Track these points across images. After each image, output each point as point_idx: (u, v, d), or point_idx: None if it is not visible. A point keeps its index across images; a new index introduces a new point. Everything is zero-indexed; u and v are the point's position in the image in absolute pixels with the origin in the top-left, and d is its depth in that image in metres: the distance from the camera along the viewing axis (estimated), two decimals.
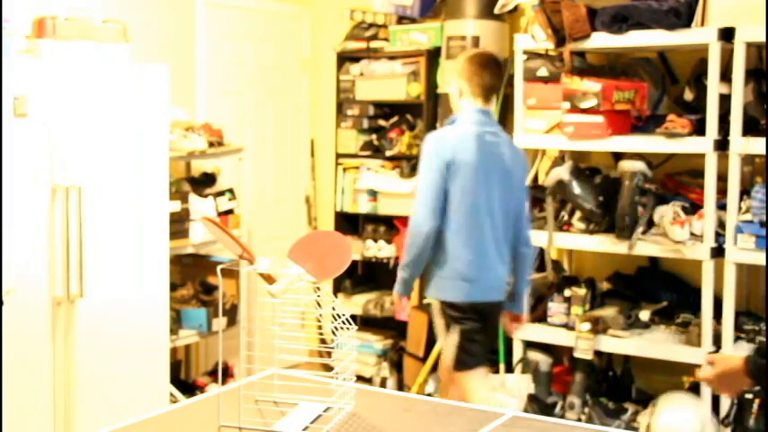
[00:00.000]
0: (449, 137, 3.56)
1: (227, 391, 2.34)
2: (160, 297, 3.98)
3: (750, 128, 3.83)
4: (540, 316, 4.41)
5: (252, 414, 2.20)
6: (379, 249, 5.32)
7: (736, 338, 3.97)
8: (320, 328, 2.19)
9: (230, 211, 4.74)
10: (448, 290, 3.56)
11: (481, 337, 3.62)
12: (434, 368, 5.01)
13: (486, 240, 3.55)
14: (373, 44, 5.34)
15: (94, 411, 3.65)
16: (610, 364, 4.50)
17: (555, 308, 4.34)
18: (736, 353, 3.87)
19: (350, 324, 2.21)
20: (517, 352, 4.45)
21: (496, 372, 4.62)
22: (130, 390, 3.82)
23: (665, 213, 3.99)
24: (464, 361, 3.58)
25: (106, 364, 3.73)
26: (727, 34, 3.80)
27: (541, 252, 4.49)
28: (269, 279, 2.22)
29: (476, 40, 4.83)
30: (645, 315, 4.24)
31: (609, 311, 4.24)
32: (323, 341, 4.70)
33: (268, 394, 2.36)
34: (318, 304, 2.20)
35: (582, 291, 4.28)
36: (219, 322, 4.43)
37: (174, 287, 4.34)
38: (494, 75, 3.63)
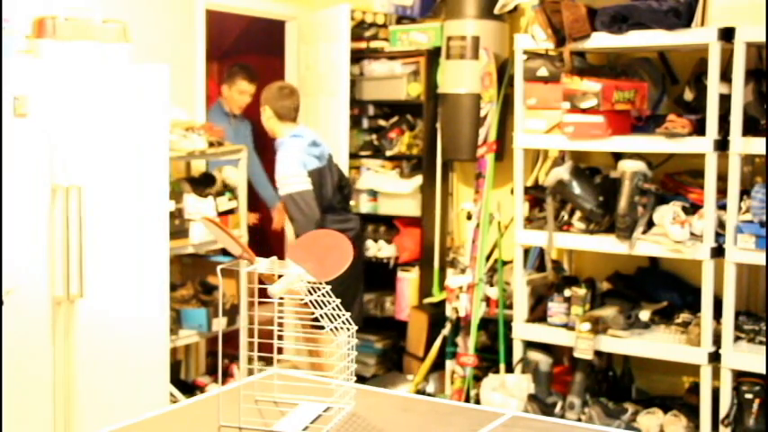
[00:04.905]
0: None
1: (227, 391, 2.34)
2: (160, 297, 3.98)
3: (750, 128, 3.83)
4: (540, 316, 4.41)
5: (252, 414, 2.20)
6: (379, 249, 5.32)
7: (736, 338, 3.97)
8: (321, 328, 2.18)
9: (230, 211, 4.73)
10: None
11: None
12: (434, 368, 5.01)
13: None
14: (373, 44, 5.33)
15: (94, 411, 3.65)
16: (610, 364, 4.50)
17: (555, 308, 4.34)
18: (737, 353, 3.89)
19: (349, 324, 2.20)
20: (517, 352, 4.45)
21: (496, 372, 4.62)
22: (130, 390, 3.82)
23: (665, 213, 3.99)
24: None
25: (106, 363, 3.73)
26: (727, 34, 3.79)
27: (541, 252, 4.49)
28: (269, 279, 2.22)
29: (476, 40, 4.83)
30: (645, 315, 4.24)
31: (609, 311, 4.23)
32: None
33: (268, 394, 2.36)
34: (318, 304, 2.20)
35: (582, 291, 4.27)
36: (219, 322, 4.43)
37: (174, 287, 4.34)
38: None
